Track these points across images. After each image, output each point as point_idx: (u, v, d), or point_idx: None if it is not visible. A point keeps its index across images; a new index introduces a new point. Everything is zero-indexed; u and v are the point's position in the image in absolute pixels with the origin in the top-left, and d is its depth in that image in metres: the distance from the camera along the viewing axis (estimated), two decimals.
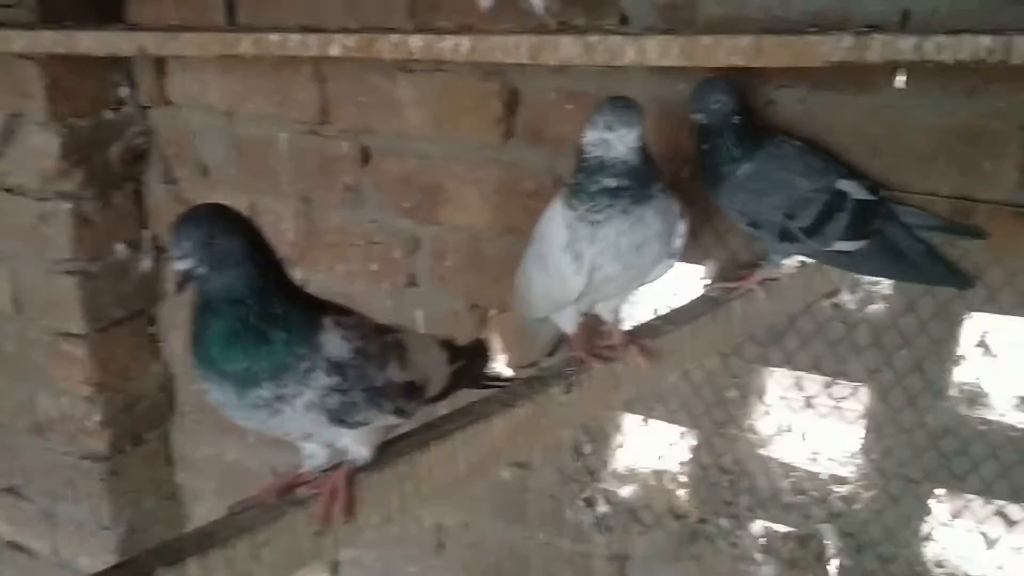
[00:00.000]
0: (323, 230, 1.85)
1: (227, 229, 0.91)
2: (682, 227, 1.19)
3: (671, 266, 1.23)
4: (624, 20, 1.46)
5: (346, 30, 1.37)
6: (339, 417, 0.95)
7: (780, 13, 1.33)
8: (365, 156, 1.76)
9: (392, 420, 1.04)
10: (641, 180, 1.11)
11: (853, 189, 1.30)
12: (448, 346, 1.20)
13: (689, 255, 1.52)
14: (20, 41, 1.49)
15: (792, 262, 1.39)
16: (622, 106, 1.08)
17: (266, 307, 0.91)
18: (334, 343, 0.94)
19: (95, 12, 1.75)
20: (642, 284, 1.24)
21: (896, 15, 1.30)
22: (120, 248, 1.96)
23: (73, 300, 1.93)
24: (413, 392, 1.06)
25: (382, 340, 1.02)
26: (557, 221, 1.14)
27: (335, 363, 0.93)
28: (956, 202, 1.33)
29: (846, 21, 1.30)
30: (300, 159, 1.82)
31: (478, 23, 1.30)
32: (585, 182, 1.11)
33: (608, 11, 1.46)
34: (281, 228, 1.88)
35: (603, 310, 1.26)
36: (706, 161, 1.31)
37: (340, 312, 0.98)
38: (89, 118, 1.85)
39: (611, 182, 1.09)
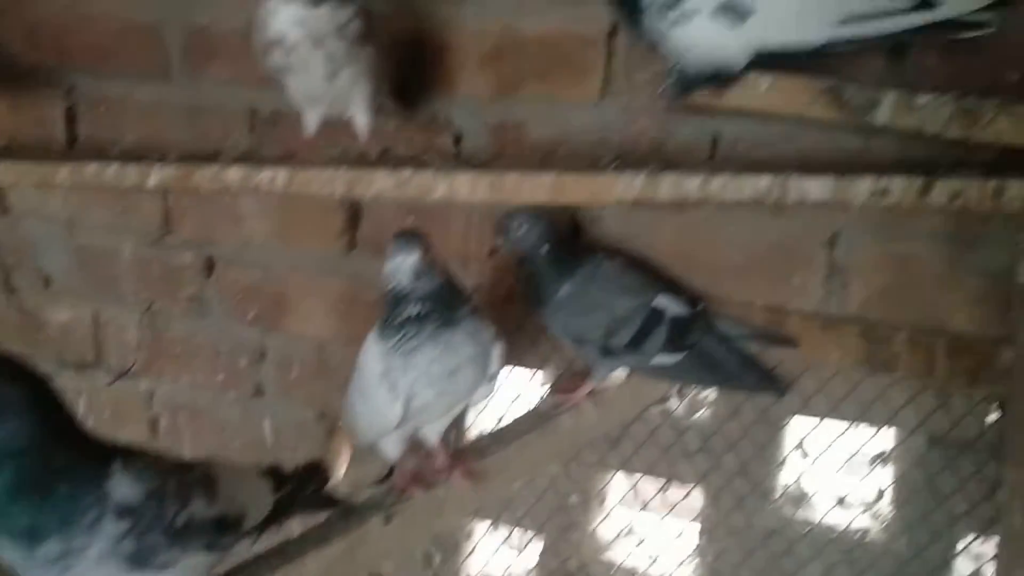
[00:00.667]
0: (168, 340, 1.82)
1: (4, 379, 0.89)
2: (497, 351, 1.21)
3: (492, 389, 1.25)
4: (458, 139, 1.50)
5: (179, 153, 1.38)
6: (139, 562, 0.94)
7: (596, 137, 1.39)
8: (209, 266, 1.75)
9: (205, 558, 1.02)
10: (445, 305, 1.14)
11: (670, 305, 1.35)
12: (274, 473, 1.20)
13: (528, 361, 1.57)
14: None
15: (619, 373, 1.44)
16: (403, 237, 1.12)
17: (48, 459, 0.89)
18: (124, 487, 0.93)
19: None
20: (463, 407, 1.26)
21: (707, 139, 1.38)
22: None
23: None
24: (226, 526, 1.05)
25: (184, 477, 1.01)
26: (371, 353, 1.16)
27: (126, 507, 0.92)
28: (770, 312, 1.40)
29: (661, 145, 1.37)
30: (144, 269, 1.79)
31: (303, 149, 1.32)
32: (392, 313, 1.14)
33: (442, 130, 1.50)
34: (125, 339, 1.84)
35: (428, 433, 1.27)
36: (527, 284, 1.35)
37: (133, 455, 0.97)
38: None
39: (414, 310, 1.12)
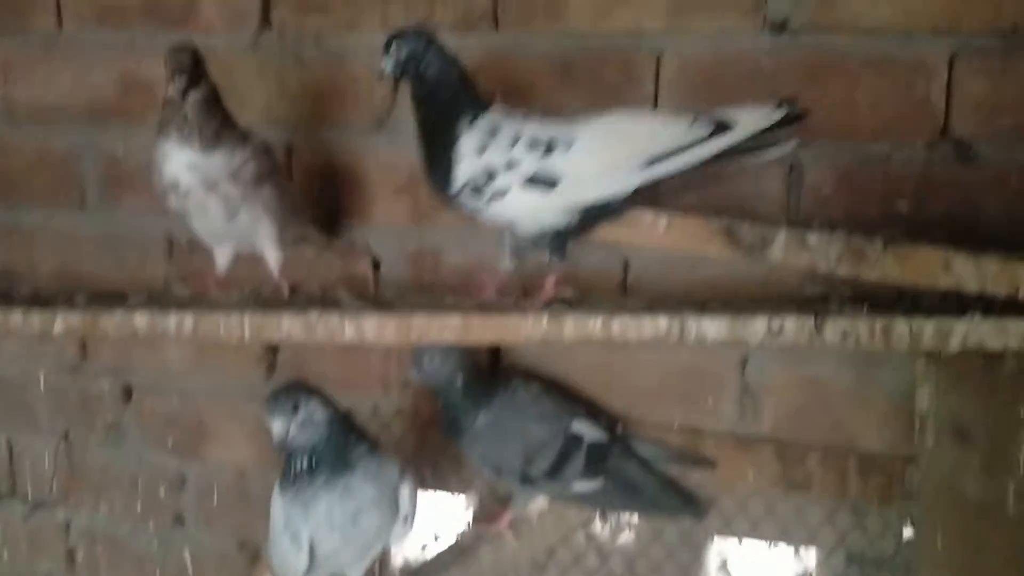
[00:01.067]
0: (85, 469, 1.77)
1: None
2: (406, 489, 1.20)
3: (409, 527, 1.24)
4: (377, 265, 1.52)
5: (96, 284, 1.36)
6: None
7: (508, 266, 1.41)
8: (127, 394, 1.72)
9: None
10: (336, 451, 1.15)
11: (587, 430, 1.35)
12: None
13: (451, 486, 1.56)
14: None
15: (540, 500, 1.43)
16: (273, 400, 1.16)
17: None
18: None
19: None
20: (379, 548, 1.24)
21: (619, 265, 1.41)
22: None
23: None
24: None
25: None
26: (275, 504, 1.15)
27: None
28: (687, 434, 1.42)
29: (573, 275, 1.39)
30: (60, 397, 1.75)
31: (217, 284, 1.32)
32: (287, 466, 1.14)
33: (361, 257, 1.52)
34: (41, 468, 1.79)
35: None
36: (443, 414, 1.35)
37: None
38: None
39: (302, 464, 1.13)
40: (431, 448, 1.53)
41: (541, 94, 1.40)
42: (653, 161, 1.09)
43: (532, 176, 1.11)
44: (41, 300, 1.31)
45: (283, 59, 1.50)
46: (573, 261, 1.38)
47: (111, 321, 1.20)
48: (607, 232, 1.20)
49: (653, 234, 1.18)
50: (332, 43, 1.48)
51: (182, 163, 1.16)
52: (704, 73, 1.34)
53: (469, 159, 1.12)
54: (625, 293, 1.41)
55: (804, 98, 1.09)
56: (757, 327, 1.06)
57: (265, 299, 1.29)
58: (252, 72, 1.52)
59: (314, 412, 1.15)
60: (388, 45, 1.15)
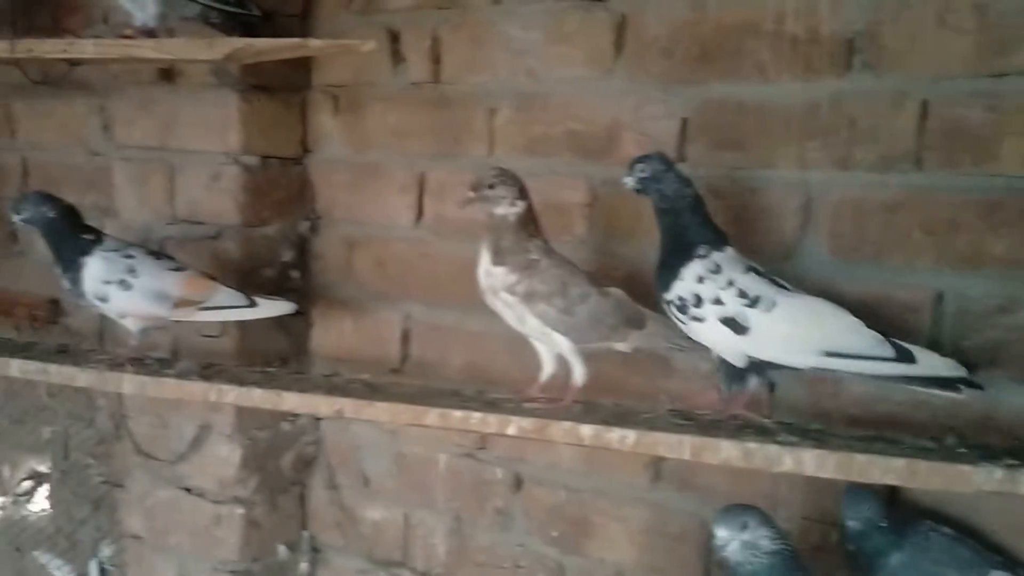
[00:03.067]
0: (472, 549, 1.94)
1: None
2: None
3: None
4: (772, 387, 1.57)
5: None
6: None
7: None
8: (518, 482, 1.88)
9: None
10: None
11: None
12: None
13: None
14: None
15: None
16: (730, 511, 1.29)
17: None
18: None
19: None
20: None
21: None
22: (281, 549, 2.09)
23: None
24: None
25: None
26: None
27: None
28: None
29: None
30: (456, 479, 1.95)
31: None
32: None
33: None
34: (432, 542, 1.99)
35: None
36: (853, 551, 1.36)
37: None
38: (269, 430, 2.04)
39: None
40: None
41: (962, 232, 1.41)
42: (833, 354, 1.25)
43: (729, 317, 1.29)
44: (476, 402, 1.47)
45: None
46: None
47: (558, 430, 1.33)
48: None
49: None
50: (745, 177, 1.58)
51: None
52: None
53: (688, 282, 1.31)
54: None
55: None
56: None
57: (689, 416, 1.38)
58: None
59: (760, 539, 1.20)
60: (632, 166, 1.36)
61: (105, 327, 2.21)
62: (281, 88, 1.99)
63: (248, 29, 1.79)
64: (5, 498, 2.66)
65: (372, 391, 1.56)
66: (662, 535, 1.71)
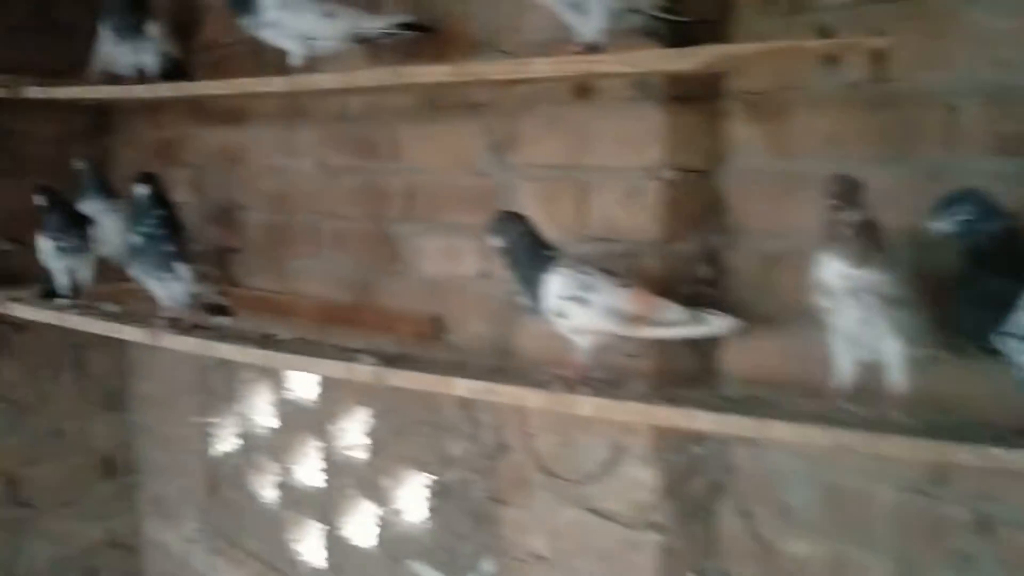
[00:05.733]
0: None
1: None
2: None
3: None
4: None
5: None
6: None
7: None
8: (986, 525, 1.67)
9: None
10: None
11: None
12: None
13: None
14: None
15: None
16: None
17: None
18: None
19: None
20: None
21: None
22: None
23: None
24: None
25: None
26: None
27: None
28: None
29: None
30: (904, 518, 1.77)
31: None
32: None
33: None
34: None
35: None
36: None
37: None
38: (682, 453, 1.96)
39: None
40: None
41: None
42: None
43: None
44: None
45: None
46: None
47: None
48: None
49: None
50: None
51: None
52: None
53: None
54: None
55: None
56: None
57: None
58: None
59: None
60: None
61: (497, 343, 2.22)
62: (697, 98, 1.91)
63: (681, 37, 1.73)
64: (385, 508, 2.77)
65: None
66: None
